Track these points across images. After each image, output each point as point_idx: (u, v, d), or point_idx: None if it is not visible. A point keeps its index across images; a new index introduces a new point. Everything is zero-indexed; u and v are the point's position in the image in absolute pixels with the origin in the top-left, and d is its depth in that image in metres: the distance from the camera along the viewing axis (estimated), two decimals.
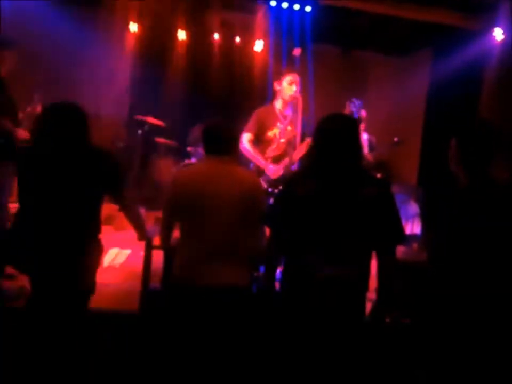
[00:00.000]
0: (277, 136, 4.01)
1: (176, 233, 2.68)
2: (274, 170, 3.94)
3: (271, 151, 4.02)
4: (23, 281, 2.80)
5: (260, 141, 4.03)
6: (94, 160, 2.51)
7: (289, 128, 4.01)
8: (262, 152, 4.01)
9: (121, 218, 5.20)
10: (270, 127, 4.01)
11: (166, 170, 6.44)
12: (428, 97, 7.12)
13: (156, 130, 6.79)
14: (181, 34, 7.29)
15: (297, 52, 7.19)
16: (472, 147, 2.16)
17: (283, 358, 2.22)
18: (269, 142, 4.02)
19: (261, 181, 3.89)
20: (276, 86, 4.06)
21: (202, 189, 2.50)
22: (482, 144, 2.15)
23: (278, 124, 4.02)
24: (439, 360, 2.15)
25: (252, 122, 4.03)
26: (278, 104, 4.07)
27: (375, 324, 2.17)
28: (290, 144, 3.98)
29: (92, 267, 2.57)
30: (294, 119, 3.97)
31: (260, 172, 3.97)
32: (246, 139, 4.00)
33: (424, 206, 5.95)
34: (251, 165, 4.10)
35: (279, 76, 4.04)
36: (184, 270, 2.53)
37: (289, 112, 4.05)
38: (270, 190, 3.93)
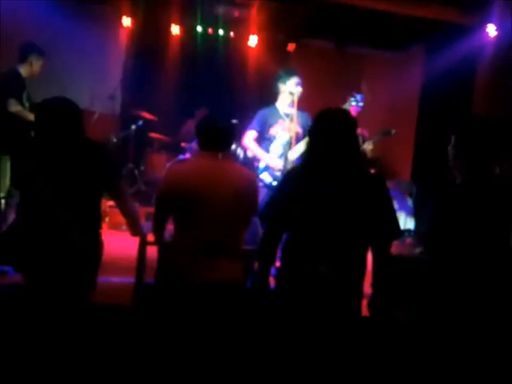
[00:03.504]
0: (279, 133, 4.13)
1: (169, 228, 2.67)
2: (278, 162, 4.07)
3: (274, 148, 4.14)
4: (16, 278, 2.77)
5: (263, 138, 4.18)
6: (89, 154, 2.50)
7: (291, 125, 4.11)
8: (266, 149, 4.16)
9: (115, 216, 5.17)
10: (273, 125, 4.15)
11: (160, 165, 6.41)
12: (422, 92, 7.13)
13: (149, 125, 6.76)
14: (175, 29, 7.25)
15: (291, 47, 7.21)
16: (471, 142, 2.15)
17: (278, 354, 2.23)
18: (272, 139, 4.15)
19: (266, 175, 4.10)
20: (281, 87, 4.16)
21: (196, 184, 2.49)
22: (482, 139, 2.14)
23: (281, 122, 4.16)
24: (438, 352, 2.16)
25: (255, 121, 4.19)
26: (281, 104, 4.20)
27: (372, 319, 2.17)
28: (292, 140, 4.10)
29: (93, 263, 2.56)
30: (295, 116, 4.07)
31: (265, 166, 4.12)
32: (249, 136, 4.18)
33: (420, 202, 5.99)
34: (255, 163, 4.22)
35: (284, 78, 4.14)
36: (178, 264, 2.53)
37: (291, 111, 4.15)
38: (274, 184, 4.04)
